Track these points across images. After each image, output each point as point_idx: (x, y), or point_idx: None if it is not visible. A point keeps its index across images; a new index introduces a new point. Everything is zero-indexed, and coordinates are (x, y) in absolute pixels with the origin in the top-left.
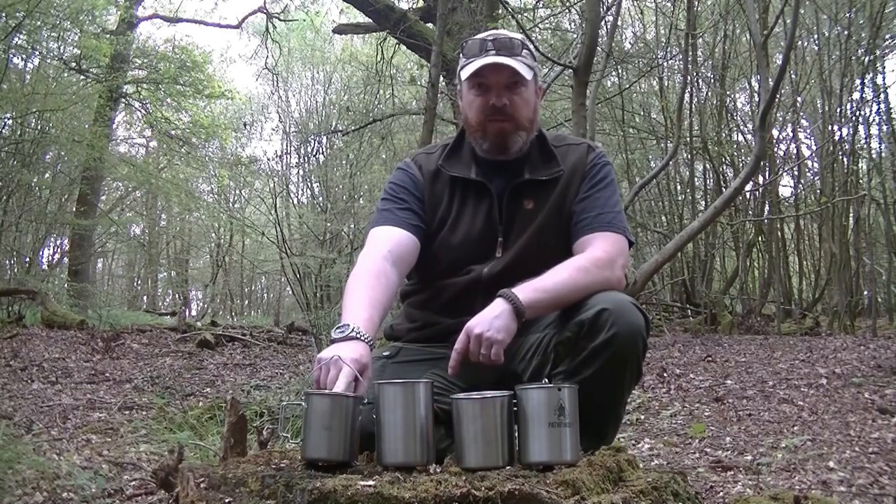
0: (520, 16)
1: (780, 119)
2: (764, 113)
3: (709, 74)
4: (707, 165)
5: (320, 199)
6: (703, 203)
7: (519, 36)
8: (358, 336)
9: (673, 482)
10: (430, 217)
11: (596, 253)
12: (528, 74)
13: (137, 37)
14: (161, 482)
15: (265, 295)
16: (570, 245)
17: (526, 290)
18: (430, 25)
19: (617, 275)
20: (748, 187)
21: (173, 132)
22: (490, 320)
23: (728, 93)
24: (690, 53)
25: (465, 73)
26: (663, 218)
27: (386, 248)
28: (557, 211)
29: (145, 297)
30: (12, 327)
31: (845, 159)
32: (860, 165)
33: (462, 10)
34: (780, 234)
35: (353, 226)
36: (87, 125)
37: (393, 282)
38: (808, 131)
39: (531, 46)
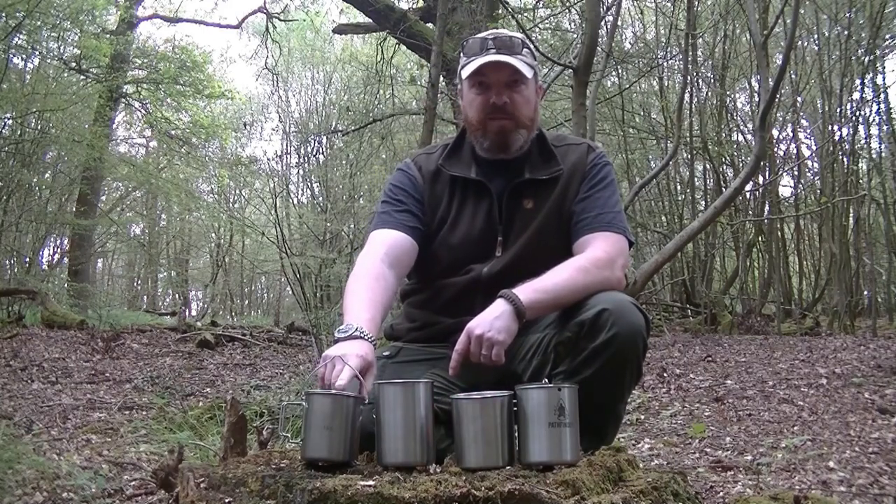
0: (520, 16)
1: (780, 119)
2: (764, 113)
3: (709, 74)
4: (707, 165)
5: (320, 199)
6: (703, 203)
7: (519, 35)
8: (361, 335)
9: (673, 482)
10: (430, 217)
11: (596, 253)
12: (528, 73)
13: (137, 37)
14: (161, 482)
15: (265, 295)
16: (569, 245)
17: (526, 291)
18: (430, 25)
19: (617, 275)
20: (748, 187)
21: (173, 132)
22: (491, 321)
23: (728, 93)
24: (690, 53)
25: (465, 72)
26: (663, 218)
27: (383, 250)
28: (557, 211)
29: (145, 297)
30: (12, 327)
31: (845, 159)
32: (860, 165)
33: (462, 10)
34: (780, 234)
35: (353, 226)
36: (87, 125)
37: (391, 284)
38: (808, 131)
39: (531, 46)
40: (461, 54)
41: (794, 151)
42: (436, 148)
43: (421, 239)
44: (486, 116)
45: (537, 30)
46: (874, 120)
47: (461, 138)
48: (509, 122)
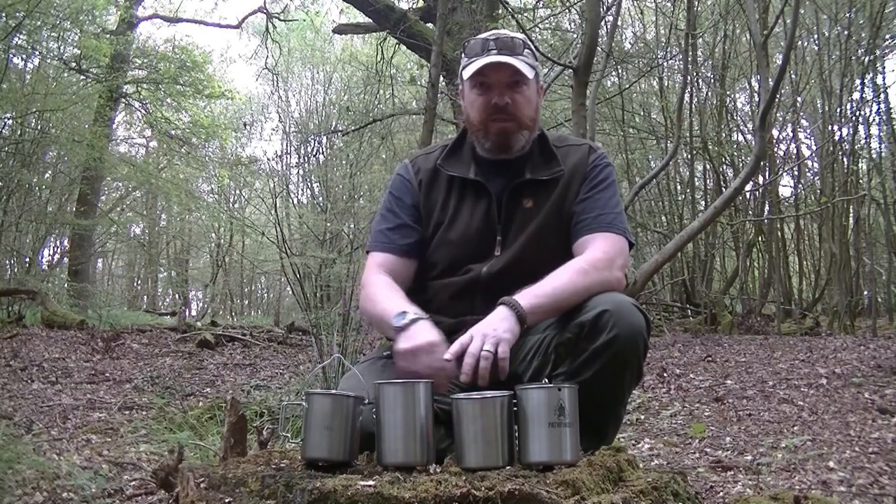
0: (520, 16)
1: (780, 119)
2: (764, 113)
3: (709, 74)
4: (707, 165)
5: (320, 199)
6: (703, 203)
7: (521, 35)
8: (419, 317)
9: (673, 482)
10: (427, 220)
11: (595, 254)
12: (529, 73)
13: (137, 37)
14: (161, 482)
15: (265, 295)
16: (569, 245)
17: (527, 297)
18: (430, 25)
19: (616, 275)
20: (748, 187)
21: (173, 132)
22: (498, 321)
23: (728, 93)
24: (690, 53)
25: (466, 73)
26: (663, 218)
27: (381, 272)
28: (557, 211)
29: (145, 297)
30: (12, 327)
31: (845, 159)
32: (860, 165)
33: (462, 10)
34: (780, 234)
35: (353, 226)
36: (87, 125)
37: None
38: (808, 131)
39: (532, 46)
40: (462, 55)
41: (794, 151)
42: (436, 148)
43: (418, 249)
44: (487, 117)
45: (537, 30)
46: (874, 120)
47: (461, 138)
48: (512, 123)
